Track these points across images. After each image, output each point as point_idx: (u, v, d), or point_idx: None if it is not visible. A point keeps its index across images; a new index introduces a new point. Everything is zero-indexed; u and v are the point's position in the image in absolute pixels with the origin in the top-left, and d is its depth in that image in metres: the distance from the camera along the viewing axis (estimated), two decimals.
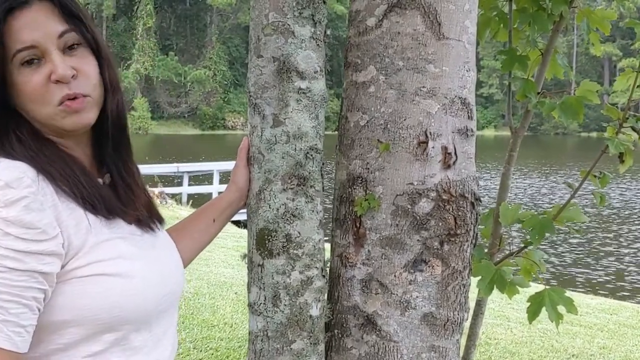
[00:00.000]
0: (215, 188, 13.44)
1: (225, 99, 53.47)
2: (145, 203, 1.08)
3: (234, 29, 56.04)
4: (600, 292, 8.09)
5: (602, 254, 10.45)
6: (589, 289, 8.20)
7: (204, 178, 15.19)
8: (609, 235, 11.84)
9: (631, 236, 11.92)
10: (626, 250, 10.73)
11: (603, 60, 52.40)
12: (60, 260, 0.88)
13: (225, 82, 53.60)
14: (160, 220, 1.12)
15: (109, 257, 0.93)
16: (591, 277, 9.07)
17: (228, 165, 14.68)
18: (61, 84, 0.94)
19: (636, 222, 13.15)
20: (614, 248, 10.93)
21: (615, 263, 9.89)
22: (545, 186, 18.37)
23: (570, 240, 10.92)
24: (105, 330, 0.92)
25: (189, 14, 57.01)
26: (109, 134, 1.04)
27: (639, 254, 10.50)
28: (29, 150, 0.93)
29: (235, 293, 5.17)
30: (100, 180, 1.03)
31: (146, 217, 1.05)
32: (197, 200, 12.75)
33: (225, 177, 14.62)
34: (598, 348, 4.60)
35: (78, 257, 0.90)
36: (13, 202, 0.84)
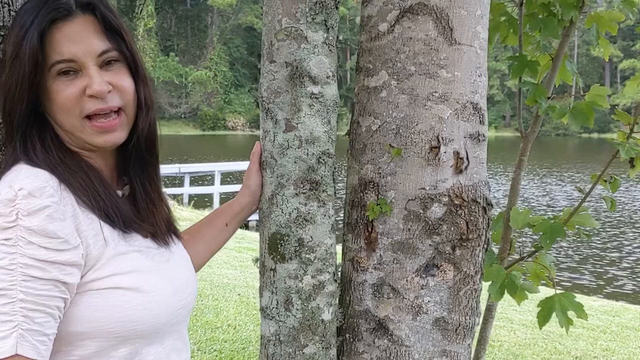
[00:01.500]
0: (216, 189, 13.46)
1: (226, 100, 53.48)
2: (165, 217, 1.09)
3: (235, 29, 56.05)
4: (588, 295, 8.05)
5: (590, 258, 10.40)
6: (576, 292, 8.13)
7: (205, 179, 15.20)
8: (599, 239, 11.77)
9: (622, 240, 11.85)
10: (617, 255, 10.67)
11: (604, 62, 52.37)
12: (80, 270, 0.89)
13: (226, 83, 53.62)
14: (177, 234, 1.13)
15: (125, 271, 0.94)
16: (580, 281, 9.04)
17: (229, 166, 14.70)
18: (95, 99, 0.95)
19: (629, 228, 13.08)
20: (600, 251, 10.88)
21: (603, 267, 9.84)
22: (541, 188, 18.28)
23: (562, 244, 10.85)
24: (119, 343, 0.92)
25: (189, 14, 57.01)
26: (138, 151, 1.04)
27: (622, 258, 10.44)
28: (51, 157, 0.94)
29: (239, 294, 5.18)
30: (119, 192, 1.03)
31: (163, 232, 1.06)
32: (198, 201, 12.76)
33: (226, 178, 14.62)
34: (601, 350, 4.61)
35: (96, 268, 0.91)
36: (36, 211, 0.84)
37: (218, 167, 14.00)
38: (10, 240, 0.82)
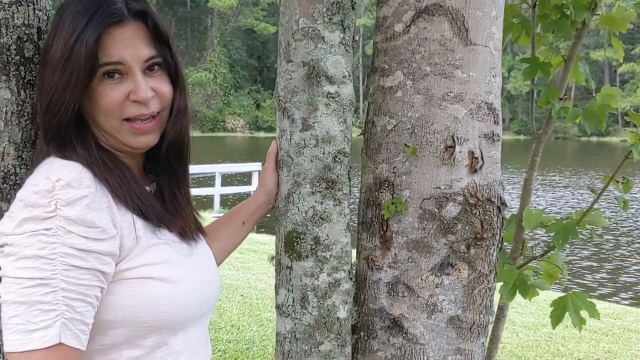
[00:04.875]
0: (217, 190, 13.49)
1: (226, 102, 53.56)
2: (193, 216, 1.12)
3: (235, 32, 56.13)
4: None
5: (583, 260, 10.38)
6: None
7: (206, 180, 15.21)
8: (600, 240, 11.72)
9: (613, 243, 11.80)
10: (604, 263, 10.62)
11: (603, 65, 52.47)
12: (115, 260, 0.90)
13: (226, 85, 53.69)
14: (203, 232, 1.15)
15: (157, 262, 0.95)
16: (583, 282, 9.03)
17: (230, 168, 14.74)
18: (139, 104, 0.97)
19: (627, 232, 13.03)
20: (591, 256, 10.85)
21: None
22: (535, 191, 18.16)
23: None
24: (148, 333, 0.93)
25: (189, 16, 57.06)
26: (165, 158, 1.06)
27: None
28: (92, 156, 0.95)
29: (241, 295, 5.18)
30: (147, 188, 1.05)
31: (192, 229, 1.08)
32: (198, 202, 12.77)
33: (226, 180, 14.63)
34: (604, 352, 4.62)
35: (129, 258, 0.92)
36: (75, 201, 0.85)
37: (219, 169, 14.05)
38: (50, 230, 0.83)
